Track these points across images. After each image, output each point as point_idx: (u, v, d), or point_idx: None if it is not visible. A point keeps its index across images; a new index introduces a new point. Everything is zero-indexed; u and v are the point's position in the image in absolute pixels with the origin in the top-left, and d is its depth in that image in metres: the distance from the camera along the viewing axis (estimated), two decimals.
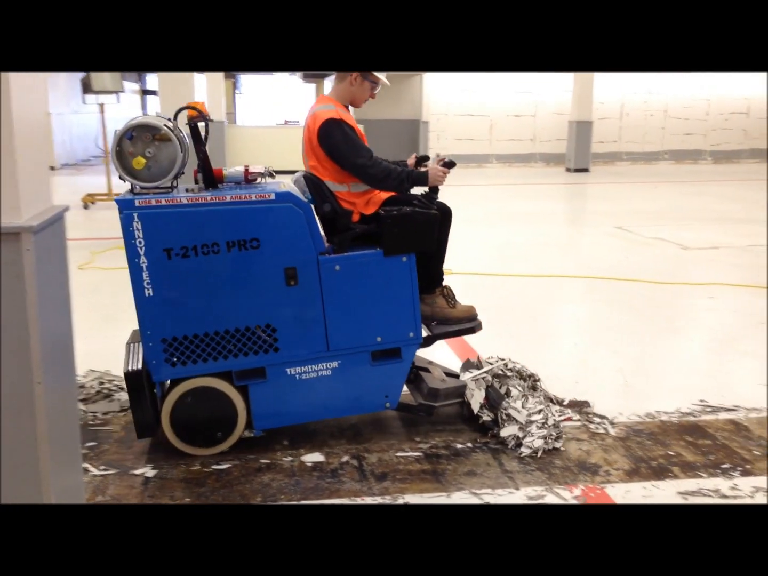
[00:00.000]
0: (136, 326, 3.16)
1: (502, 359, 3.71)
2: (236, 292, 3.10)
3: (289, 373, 3.23)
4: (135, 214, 2.94)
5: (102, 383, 3.91)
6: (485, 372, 3.55)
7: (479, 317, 3.60)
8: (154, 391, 3.16)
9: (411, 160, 3.59)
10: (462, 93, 18.27)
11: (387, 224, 3.22)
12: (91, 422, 3.54)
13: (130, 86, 22.11)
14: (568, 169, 16.97)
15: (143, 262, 2.98)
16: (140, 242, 2.96)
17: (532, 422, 3.29)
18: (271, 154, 16.36)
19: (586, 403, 3.73)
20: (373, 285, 3.25)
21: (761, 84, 18.92)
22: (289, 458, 3.23)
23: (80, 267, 6.69)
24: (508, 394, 3.45)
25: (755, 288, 6.08)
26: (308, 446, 3.35)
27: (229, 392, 3.19)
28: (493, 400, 3.41)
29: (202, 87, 15.40)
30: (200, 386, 3.16)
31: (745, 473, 3.06)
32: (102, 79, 9.93)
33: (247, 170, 3.27)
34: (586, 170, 16.74)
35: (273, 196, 3.08)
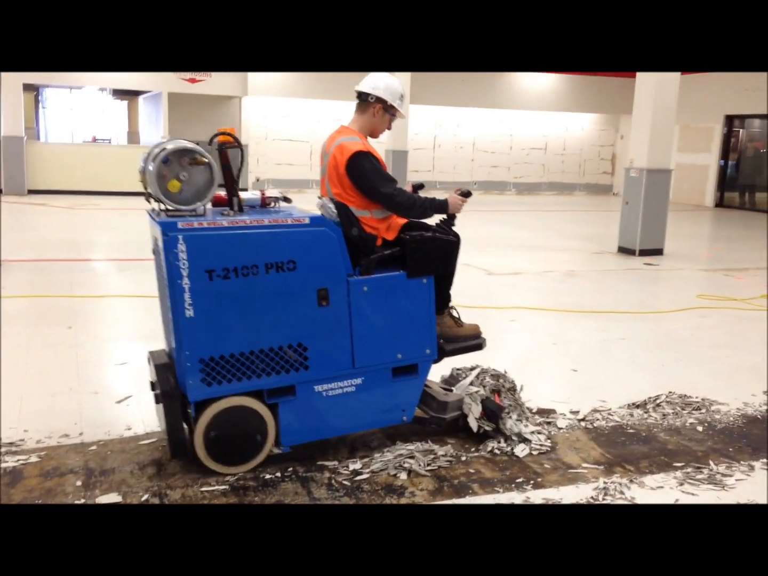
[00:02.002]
0: None
1: (475, 367, 3.95)
2: (272, 313, 3.17)
3: (316, 390, 3.33)
4: (180, 236, 2.98)
5: None
6: (477, 386, 3.77)
7: None
8: (189, 411, 3.15)
9: (407, 188, 3.67)
10: (282, 119, 18.30)
11: (411, 248, 3.41)
12: None
13: None
14: None
15: (186, 284, 3.00)
16: (183, 263, 2.99)
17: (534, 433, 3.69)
18: (76, 172, 15.45)
19: (553, 411, 4.05)
20: (396, 305, 3.43)
21: (558, 123, 20.69)
22: (82, 500, 2.99)
23: None
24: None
25: (551, 311, 6.56)
26: (104, 486, 3.12)
27: (260, 410, 3.23)
28: (491, 412, 3.63)
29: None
30: (234, 405, 3.18)
31: (537, 486, 3.26)
32: None
33: (263, 195, 3.42)
34: None
35: (308, 221, 3.23)
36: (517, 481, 3.29)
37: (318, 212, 3.44)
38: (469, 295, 7.09)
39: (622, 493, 3.19)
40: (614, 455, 3.58)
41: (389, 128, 3.67)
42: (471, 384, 3.79)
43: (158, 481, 3.18)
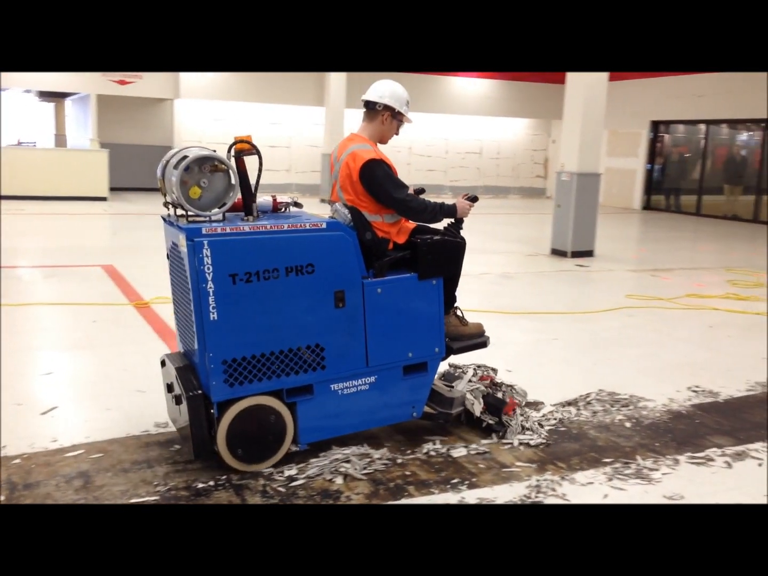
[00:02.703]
0: None
1: (470, 366, 4.09)
2: (292, 315, 3.27)
3: (333, 388, 3.43)
4: (205, 242, 3.05)
5: None
6: (476, 382, 3.95)
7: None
8: (211, 411, 3.20)
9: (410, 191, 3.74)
10: (215, 122, 18.05)
11: (423, 251, 3.54)
12: None
13: None
14: (323, 200, 17.44)
15: (210, 287, 3.08)
16: (208, 268, 3.06)
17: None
18: None
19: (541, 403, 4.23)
20: (407, 306, 3.55)
21: (492, 128, 21.02)
22: None
23: None
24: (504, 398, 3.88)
25: (487, 313, 6.64)
26: (28, 500, 3.00)
27: (280, 409, 3.31)
28: (493, 407, 3.80)
29: None
30: (255, 405, 3.26)
31: (472, 486, 3.29)
32: None
33: (275, 200, 3.48)
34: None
35: (325, 225, 3.32)
36: (453, 481, 3.31)
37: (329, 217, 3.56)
38: None
39: (553, 490, 3.25)
40: (546, 453, 3.65)
41: (397, 133, 3.79)
42: (470, 381, 3.95)
43: (85, 494, 3.08)
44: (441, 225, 3.84)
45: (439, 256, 3.59)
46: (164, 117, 18.28)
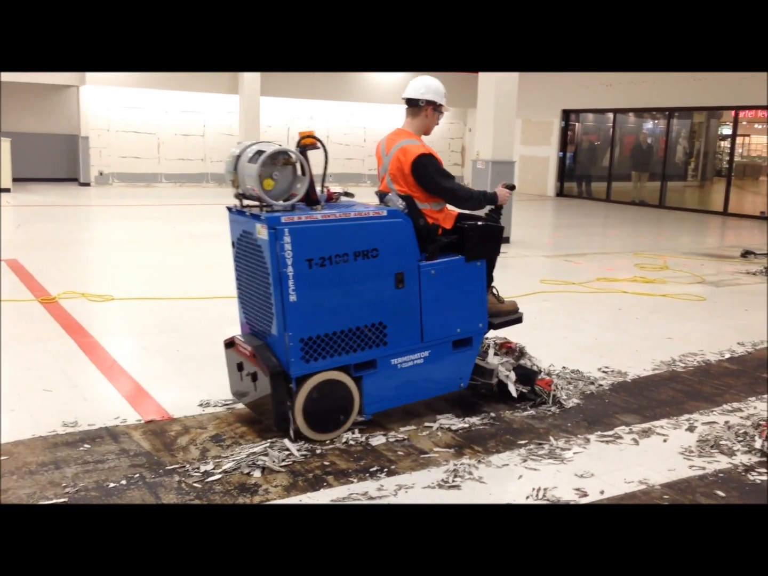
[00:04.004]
0: None
1: (488, 338, 4.33)
2: (359, 295, 3.57)
3: (393, 363, 3.73)
4: (286, 229, 3.32)
5: None
6: (503, 355, 4.24)
7: None
8: (290, 386, 3.47)
9: None
10: (125, 110, 17.44)
11: (470, 235, 3.90)
12: None
13: None
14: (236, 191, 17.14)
15: (290, 271, 3.35)
16: (288, 254, 3.34)
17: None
18: None
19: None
20: (456, 285, 3.88)
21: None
22: None
23: None
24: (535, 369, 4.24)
25: None
26: None
27: (348, 383, 3.60)
28: (525, 377, 4.13)
29: None
30: (328, 379, 3.54)
31: (390, 473, 3.31)
32: None
33: (329, 191, 3.71)
34: None
35: (385, 213, 3.63)
36: (371, 470, 3.32)
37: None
38: None
39: (470, 473, 3.30)
40: (464, 438, 3.71)
41: (437, 123, 4.09)
42: (495, 354, 4.22)
43: None
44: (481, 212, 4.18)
45: (483, 240, 3.97)
46: (70, 104, 17.54)
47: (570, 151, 19.38)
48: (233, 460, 3.32)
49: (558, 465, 3.43)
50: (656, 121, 18.19)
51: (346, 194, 3.84)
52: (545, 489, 3.18)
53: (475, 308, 3.98)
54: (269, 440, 3.52)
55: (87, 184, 17.00)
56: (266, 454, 3.38)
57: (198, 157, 18.49)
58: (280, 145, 3.45)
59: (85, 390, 4.22)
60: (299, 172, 3.47)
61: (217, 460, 3.34)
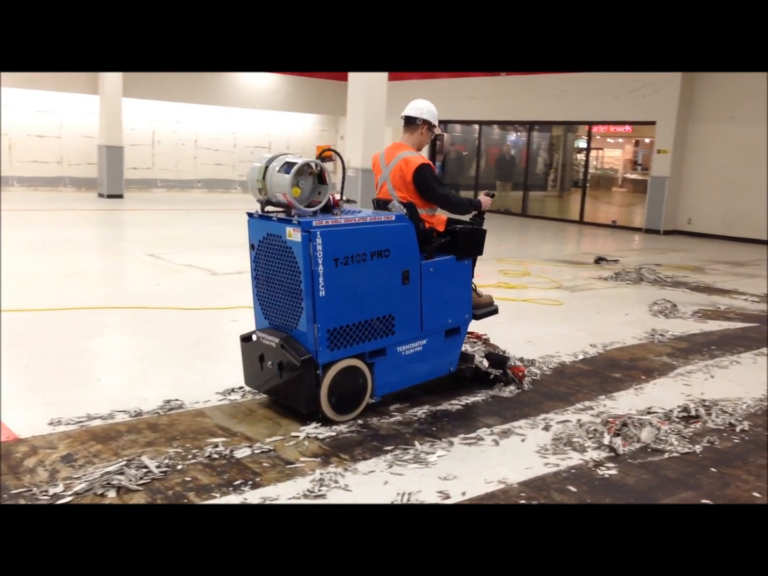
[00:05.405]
0: None
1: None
2: (374, 291, 4.02)
3: (398, 350, 4.22)
4: (318, 232, 3.72)
5: None
6: (475, 345, 4.94)
7: None
8: (317, 372, 3.86)
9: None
10: None
11: (461, 237, 4.44)
12: None
13: None
14: (101, 195, 16.39)
15: (320, 269, 3.74)
16: (320, 254, 3.73)
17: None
18: None
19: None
20: (449, 281, 4.44)
21: (281, 122, 20.98)
22: None
23: None
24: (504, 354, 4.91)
25: None
26: None
27: (363, 368, 4.05)
28: (496, 362, 4.74)
29: None
30: (349, 365, 3.98)
31: (255, 486, 3.24)
32: None
33: (334, 198, 3.98)
34: (120, 196, 16.37)
35: (393, 218, 4.11)
36: (235, 483, 3.24)
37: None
38: (192, 298, 6.90)
39: (336, 482, 3.29)
40: (331, 446, 3.69)
41: (428, 142, 4.69)
42: (465, 343, 4.76)
43: None
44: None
45: (472, 241, 4.52)
46: None
47: (439, 161, 19.91)
48: (86, 481, 3.14)
49: (423, 469, 3.49)
50: (519, 134, 19.03)
51: (348, 201, 4.21)
52: (409, 494, 3.22)
53: (463, 301, 4.55)
54: (125, 458, 3.36)
55: None
56: (122, 473, 3.21)
57: (54, 159, 17.49)
58: (300, 157, 3.86)
59: None
60: (322, 181, 3.87)
61: (68, 482, 3.14)
